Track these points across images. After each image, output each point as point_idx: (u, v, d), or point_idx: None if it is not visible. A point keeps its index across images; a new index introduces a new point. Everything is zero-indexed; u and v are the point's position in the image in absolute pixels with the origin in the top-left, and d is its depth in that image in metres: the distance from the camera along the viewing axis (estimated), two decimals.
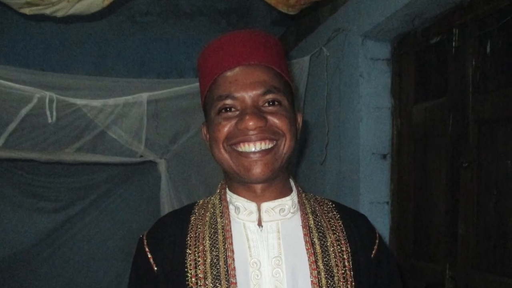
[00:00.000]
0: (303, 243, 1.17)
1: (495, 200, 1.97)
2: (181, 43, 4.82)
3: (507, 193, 1.92)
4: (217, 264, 1.13)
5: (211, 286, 1.12)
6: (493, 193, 1.98)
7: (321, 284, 1.13)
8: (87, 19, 4.03)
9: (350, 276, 1.16)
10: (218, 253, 1.15)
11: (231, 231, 1.18)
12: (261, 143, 1.12)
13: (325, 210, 1.28)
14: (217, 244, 1.16)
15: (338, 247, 1.19)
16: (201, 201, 1.32)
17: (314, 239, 1.18)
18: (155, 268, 1.18)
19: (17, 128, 2.71)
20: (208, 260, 1.14)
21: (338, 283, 1.14)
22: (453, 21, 2.17)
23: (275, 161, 1.14)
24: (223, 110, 1.15)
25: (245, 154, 1.13)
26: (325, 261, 1.15)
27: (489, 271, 1.98)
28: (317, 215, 1.24)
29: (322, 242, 1.18)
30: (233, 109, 1.14)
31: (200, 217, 1.24)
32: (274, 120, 1.13)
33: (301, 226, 1.20)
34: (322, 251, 1.16)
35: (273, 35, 1.28)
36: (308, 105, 3.33)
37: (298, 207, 1.24)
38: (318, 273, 1.13)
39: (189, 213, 1.27)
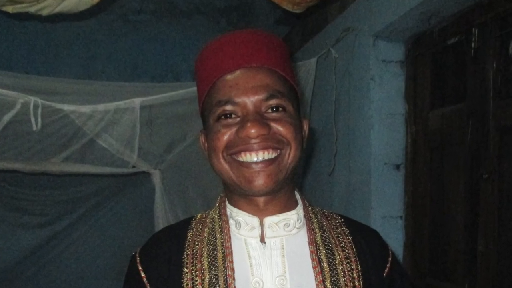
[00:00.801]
0: (310, 261, 1.17)
1: None
2: (177, 43, 4.84)
3: None
4: (216, 284, 1.13)
5: None
6: None
7: None
8: (75, 18, 4.07)
9: None
10: (217, 272, 1.14)
11: (231, 248, 1.18)
12: (263, 153, 1.11)
13: (334, 225, 1.28)
14: (216, 262, 1.16)
15: (348, 265, 1.18)
16: (198, 216, 1.32)
17: (321, 257, 1.18)
18: None
19: None
20: (207, 280, 1.13)
21: None
22: (472, 20, 2.18)
23: (279, 172, 1.13)
24: (223, 117, 1.14)
25: (247, 165, 1.12)
26: (334, 280, 1.15)
27: None
28: (324, 230, 1.24)
29: (330, 260, 1.18)
30: (233, 116, 1.14)
31: (197, 233, 1.24)
32: (278, 128, 1.13)
33: (307, 243, 1.20)
34: (330, 270, 1.16)
35: (277, 35, 1.29)
36: (315, 111, 3.33)
37: (304, 221, 1.24)
38: None
39: (186, 229, 1.26)
